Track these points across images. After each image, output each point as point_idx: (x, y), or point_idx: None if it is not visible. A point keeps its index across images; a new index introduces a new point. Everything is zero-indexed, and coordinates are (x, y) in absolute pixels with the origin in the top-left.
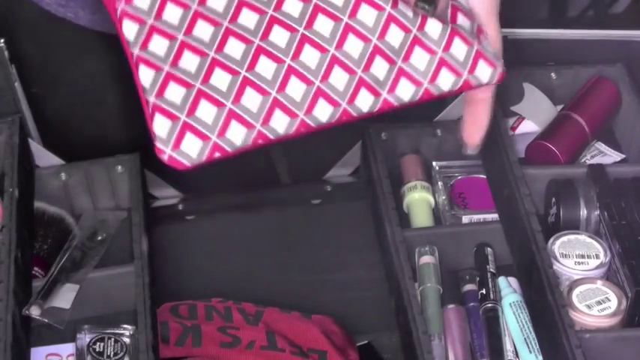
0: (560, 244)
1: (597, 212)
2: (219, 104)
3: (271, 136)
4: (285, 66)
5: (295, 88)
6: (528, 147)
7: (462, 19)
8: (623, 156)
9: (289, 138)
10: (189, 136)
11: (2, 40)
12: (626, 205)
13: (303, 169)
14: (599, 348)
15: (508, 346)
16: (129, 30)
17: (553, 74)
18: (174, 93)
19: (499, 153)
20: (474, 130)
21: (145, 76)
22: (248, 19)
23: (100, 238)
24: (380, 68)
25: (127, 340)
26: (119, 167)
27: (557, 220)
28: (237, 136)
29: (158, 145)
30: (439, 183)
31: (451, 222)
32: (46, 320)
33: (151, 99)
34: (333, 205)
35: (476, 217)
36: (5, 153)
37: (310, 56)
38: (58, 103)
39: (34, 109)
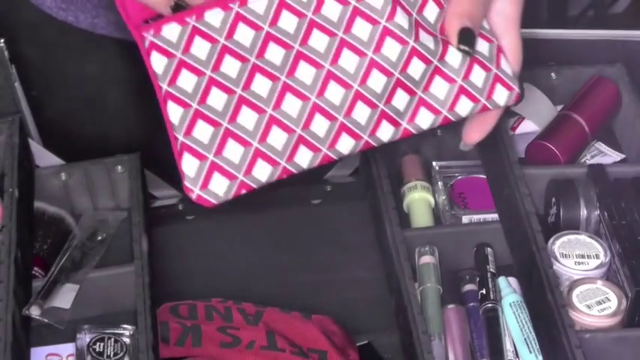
0: (560, 244)
1: (597, 212)
2: (246, 144)
3: (295, 171)
4: (311, 103)
5: (319, 125)
6: (528, 147)
7: (481, 45)
8: (623, 156)
9: (313, 169)
10: (216, 176)
11: (2, 40)
12: (626, 205)
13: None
14: (599, 348)
15: (508, 346)
16: (157, 63)
17: (553, 74)
18: (202, 132)
19: (499, 153)
20: (477, 133)
21: (174, 113)
22: (275, 54)
23: (100, 238)
24: (401, 100)
25: (127, 340)
26: (119, 167)
27: (557, 220)
28: (263, 173)
29: (186, 184)
30: (439, 183)
31: (451, 222)
32: (46, 320)
33: (180, 137)
34: (333, 205)
35: (476, 217)
36: (5, 153)
37: (335, 93)
38: (58, 104)
39: (34, 110)
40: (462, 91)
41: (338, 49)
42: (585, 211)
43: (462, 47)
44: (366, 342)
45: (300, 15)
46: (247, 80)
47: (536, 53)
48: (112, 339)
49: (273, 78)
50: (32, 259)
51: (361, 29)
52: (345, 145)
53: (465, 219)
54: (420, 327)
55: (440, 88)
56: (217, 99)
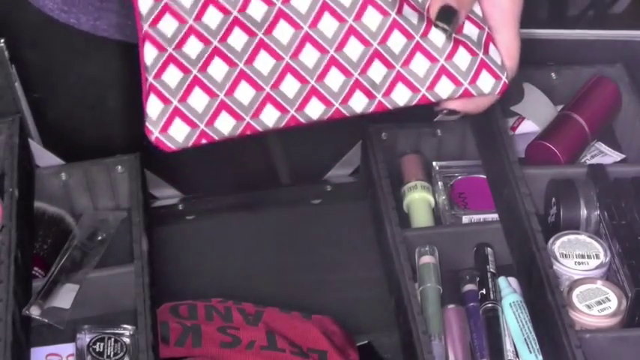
0: (560, 244)
1: (597, 212)
2: (212, 94)
3: (260, 129)
4: (283, 63)
5: (290, 86)
6: (528, 147)
7: (469, 29)
8: (623, 156)
9: (278, 130)
10: (177, 122)
11: (2, 40)
12: (626, 205)
13: (303, 170)
14: (599, 348)
15: (508, 346)
16: (143, 3)
17: (553, 74)
18: (172, 76)
19: (499, 153)
20: (458, 103)
21: (149, 54)
22: (256, 9)
23: (100, 238)
24: (377, 72)
25: (127, 340)
26: (119, 167)
27: (557, 220)
28: (226, 126)
29: (148, 125)
30: (439, 183)
31: (451, 222)
32: (46, 320)
33: (150, 78)
34: (333, 205)
35: (476, 217)
36: (5, 153)
37: (309, 56)
38: (59, 105)
39: (35, 111)
40: (444, 71)
41: (319, 12)
42: (585, 211)
43: (440, 24)
44: (366, 342)
45: None
46: (225, 32)
47: (536, 53)
48: (112, 339)
49: (250, 33)
50: (32, 259)
51: None
52: (315, 109)
53: (465, 219)
54: (420, 327)
55: (420, 65)
56: (193, 47)
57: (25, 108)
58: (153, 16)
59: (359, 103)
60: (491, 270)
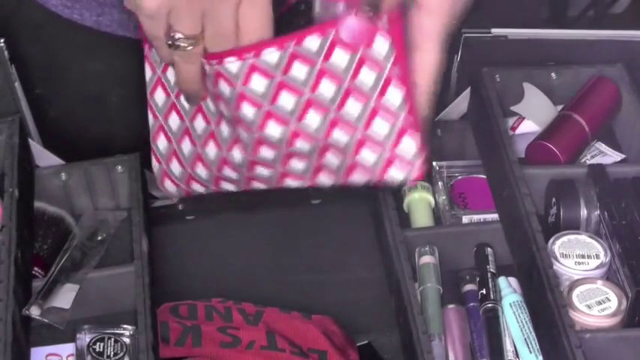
0: (560, 244)
1: (597, 212)
2: (182, 166)
3: (226, 190)
4: (222, 154)
5: (229, 173)
6: (528, 147)
7: (378, 125)
8: (623, 156)
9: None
10: (167, 181)
11: (2, 40)
12: (626, 205)
13: None
14: (600, 348)
15: (508, 346)
16: (147, 75)
17: (553, 74)
18: (161, 143)
19: (499, 153)
20: (421, 76)
21: (150, 120)
22: (213, 106)
23: (100, 238)
24: (298, 165)
25: (127, 340)
26: (119, 167)
27: (557, 220)
28: (199, 189)
29: (156, 180)
30: (439, 183)
31: (451, 222)
32: (46, 320)
33: (151, 141)
34: (333, 205)
35: (476, 217)
36: (5, 153)
37: (237, 155)
38: (60, 103)
39: (36, 110)
40: (354, 166)
41: (238, 101)
42: (585, 211)
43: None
44: (366, 342)
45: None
46: (193, 115)
47: (536, 53)
48: (112, 339)
49: (207, 122)
50: (32, 259)
51: (257, 84)
52: (257, 185)
53: (465, 219)
54: (420, 327)
55: (332, 160)
56: (173, 120)
57: (25, 108)
58: (151, 87)
59: (293, 184)
60: (491, 270)
